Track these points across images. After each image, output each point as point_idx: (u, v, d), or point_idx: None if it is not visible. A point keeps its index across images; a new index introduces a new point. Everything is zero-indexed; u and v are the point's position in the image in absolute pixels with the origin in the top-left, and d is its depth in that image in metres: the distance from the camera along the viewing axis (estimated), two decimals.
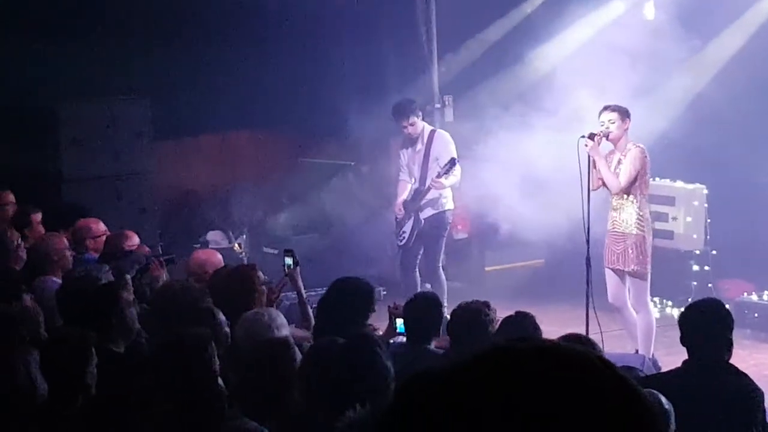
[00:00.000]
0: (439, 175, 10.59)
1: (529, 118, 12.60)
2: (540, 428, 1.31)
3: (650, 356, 9.02)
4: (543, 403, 1.32)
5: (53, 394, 5.49)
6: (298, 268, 8.12)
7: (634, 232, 9.14)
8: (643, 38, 11.84)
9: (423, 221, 10.91)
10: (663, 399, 4.82)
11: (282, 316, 6.58)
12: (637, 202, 9.16)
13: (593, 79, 11.81)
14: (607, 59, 11.68)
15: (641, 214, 9.17)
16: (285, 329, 6.48)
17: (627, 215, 9.17)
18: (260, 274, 7.49)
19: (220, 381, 5.26)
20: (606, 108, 9.17)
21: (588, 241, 8.96)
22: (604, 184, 9.19)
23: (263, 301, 7.33)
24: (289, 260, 8.17)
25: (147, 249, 9.02)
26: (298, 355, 5.60)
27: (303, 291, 8.06)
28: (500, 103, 12.54)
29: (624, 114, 9.14)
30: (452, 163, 10.58)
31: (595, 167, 9.11)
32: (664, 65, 11.97)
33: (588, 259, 8.99)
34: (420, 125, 10.89)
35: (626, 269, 9.21)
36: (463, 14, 12.26)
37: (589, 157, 9.04)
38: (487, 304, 6.70)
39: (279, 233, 12.72)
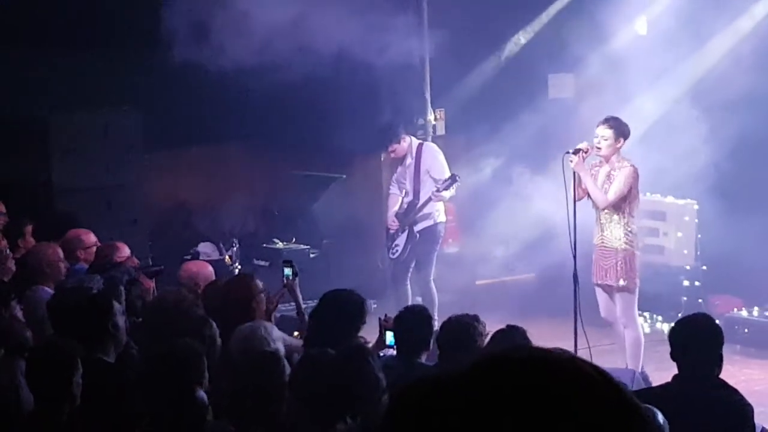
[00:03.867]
0: (438, 190, 10.64)
1: (518, 131, 12.66)
2: None
3: (639, 371, 9.02)
4: (540, 412, 1.33)
5: (39, 404, 5.48)
6: (297, 279, 8.15)
7: (623, 247, 9.15)
8: (633, 52, 11.93)
9: (417, 234, 10.93)
10: (659, 414, 4.82)
11: (277, 329, 6.60)
12: (625, 218, 9.16)
13: (587, 91, 11.89)
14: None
15: (629, 229, 9.18)
16: (280, 342, 6.49)
17: (615, 231, 9.17)
18: (258, 282, 7.55)
19: (200, 392, 5.23)
20: (604, 121, 9.16)
21: (575, 257, 8.96)
22: (588, 195, 9.20)
23: (262, 308, 7.38)
24: (288, 271, 8.19)
25: (136, 261, 9.02)
26: (288, 369, 5.60)
27: (302, 302, 8.12)
28: (491, 119, 12.59)
29: (620, 133, 9.09)
30: (453, 179, 10.64)
31: (580, 183, 9.11)
32: (652, 79, 12.03)
33: (575, 275, 9.00)
34: (404, 145, 10.98)
35: (615, 284, 9.22)
36: (456, 26, 12.27)
37: (574, 172, 9.05)
38: (476, 318, 6.70)
39: (270, 246, 12.70)
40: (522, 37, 13.36)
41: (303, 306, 8.08)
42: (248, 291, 7.39)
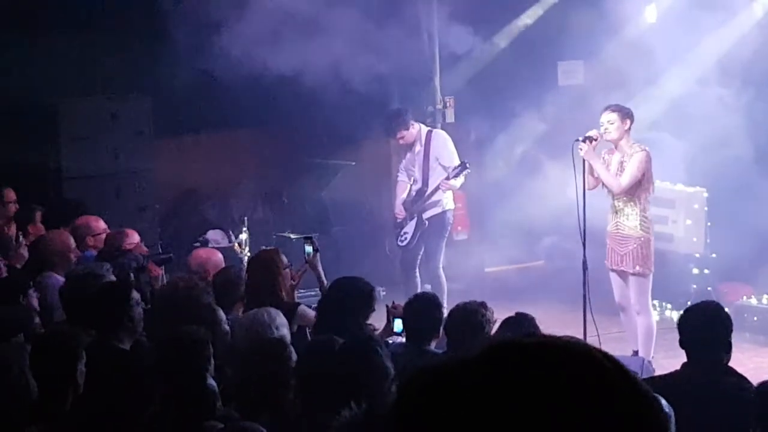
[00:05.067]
0: (448, 177, 10.63)
1: (528, 119, 12.65)
2: (548, 425, 1.31)
3: (649, 359, 9.02)
4: (550, 400, 1.33)
5: (44, 392, 5.47)
6: (318, 255, 8.27)
7: (639, 233, 9.15)
8: (644, 38, 11.90)
9: (426, 222, 10.91)
10: (663, 402, 4.81)
11: (282, 316, 6.61)
12: (640, 204, 9.16)
13: (594, 80, 11.87)
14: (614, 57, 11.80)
15: (645, 216, 9.19)
16: (285, 329, 6.50)
17: (631, 218, 9.17)
18: (283, 257, 7.67)
19: (210, 379, 5.25)
20: (607, 108, 9.18)
21: (584, 245, 8.96)
22: (601, 184, 9.19)
23: (287, 284, 7.49)
24: (309, 248, 8.35)
25: (145, 248, 9.03)
26: (294, 356, 5.61)
27: (323, 278, 8.21)
28: (500, 106, 12.58)
29: (624, 115, 9.12)
30: (463, 166, 10.62)
31: (591, 171, 9.11)
32: (663, 64, 12.00)
33: (584, 262, 8.99)
34: (413, 132, 10.93)
35: (630, 271, 9.22)
36: (466, 16, 12.26)
37: (584, 160, 9.05)
38: (484, 305, 6.70)
39: (279, 233, 12.70)
40: (530, 18, 13.25)
41: (325, 281, 8.16)
42: (274, 266, 7.52)
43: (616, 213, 9.25)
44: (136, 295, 6.51)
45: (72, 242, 8.56)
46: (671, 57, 11.96)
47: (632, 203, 9.17)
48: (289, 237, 12.44)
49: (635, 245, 9.16)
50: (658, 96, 11.95)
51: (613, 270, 9.36)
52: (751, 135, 11.30)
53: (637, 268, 9.20)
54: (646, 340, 9.27)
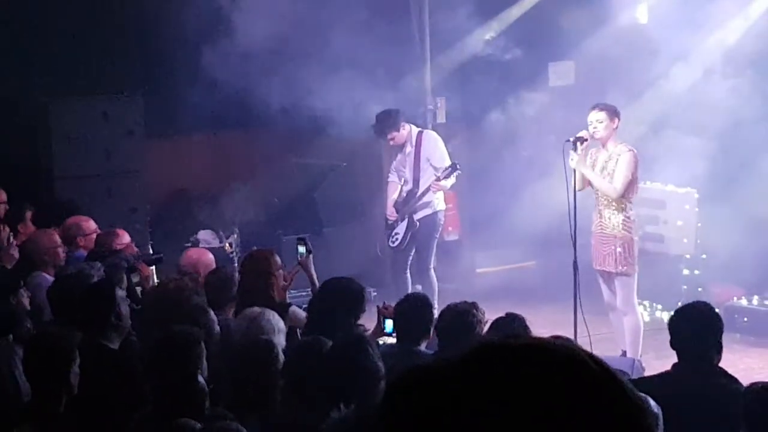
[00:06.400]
0: (439, 178, 10.62)
1: (519, 119, 12.65)
2: (533, 425, 1.32)
3: (638, 358, 9.04)
4: (535, 400, 1.33)
5: (37, 393, 5.45)
6: (311, 256, 8.26)
7: (622, 234, 9.16)
8: (637, 37, 11.91)
9: (417, 223, 10.91)
10: (651, 402, 4.82)
11: (281, 320, 6.61)
12: (623, 205, 9.18)
13: (585, 80, 11.88)
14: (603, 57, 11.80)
15: (628, 215, 9.21)
16: (282, 335, 6.50)
17: (614, 217, 9.19)
18: (277, 258, 7.67)
19: (200, 378, 5.25)
20: (595, 107, 9.19)
21: (575, 245, 8.97)
22: (590, 185, 9.21)
23: (280, 284, 7.50)
24: (302, 249, 8.35)
25: (136, 249, 9.02)
26: (282, 357, 5.62)
27: (316, 279, 8.20)
28: (492, 104, 12.58)
29: (612, 113, 9.14)
30: (454, 167, 10.62)
31: (583, 176, 9.13)
32: (657, 65, 12.01)
33: (575, 263, 9.01)
34: (404, 133, 10.91)
35: (614, 271, 9.23)
36: (457, 15, 12.26)
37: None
38: (475, 306, 6.71)
39: (269, 233, 12.69)
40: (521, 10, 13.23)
41: (317, 283, 8.15)
42: (268, 266, 7.53)
43: (600, 213, 9.28)
44: (120, 292, 6.50)
45: (58, 239, 8.57)
46: (665, 57, 11.96)
47: (616, 204, 9.18)
48: (281, 237, 12.43)
49: (617, 245, 9.18)
50: (657, 96, 11.96)
51: (598, 270, 9.38)
52: (760, 121, 11.30)
53: (620, 268, 9.21)
54: (633, 339, 9.29)
